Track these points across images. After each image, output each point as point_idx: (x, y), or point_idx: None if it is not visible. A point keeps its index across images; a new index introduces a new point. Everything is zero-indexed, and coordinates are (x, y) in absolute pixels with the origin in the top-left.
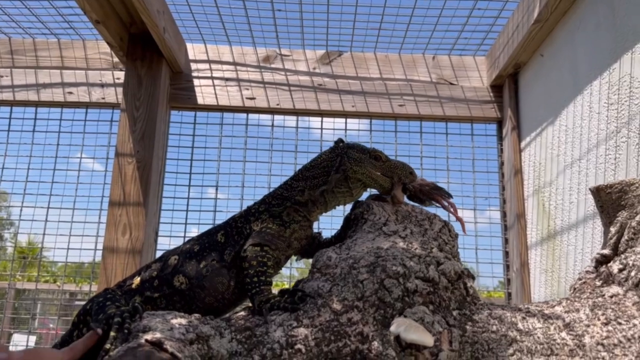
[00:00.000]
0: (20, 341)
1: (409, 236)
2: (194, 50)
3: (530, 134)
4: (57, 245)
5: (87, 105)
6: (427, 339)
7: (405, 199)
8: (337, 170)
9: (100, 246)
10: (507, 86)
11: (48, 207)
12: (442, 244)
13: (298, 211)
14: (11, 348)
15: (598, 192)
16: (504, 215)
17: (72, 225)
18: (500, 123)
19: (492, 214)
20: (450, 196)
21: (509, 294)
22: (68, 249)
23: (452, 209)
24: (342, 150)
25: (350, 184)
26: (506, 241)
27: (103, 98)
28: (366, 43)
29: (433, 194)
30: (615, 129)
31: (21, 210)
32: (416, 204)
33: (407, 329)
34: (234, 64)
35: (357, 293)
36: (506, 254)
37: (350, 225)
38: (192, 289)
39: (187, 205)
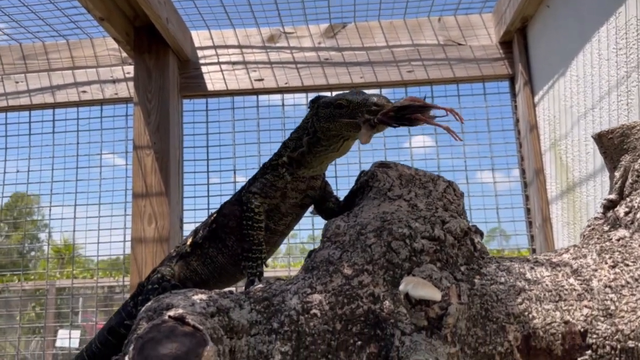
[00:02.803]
0: (64, 335)
1: (414, 198)
2: (198, 37)
3: (542, 87)
4: (88, 240)
5: (101, 102)
6: (435, 294)
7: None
8: (308, 132)
9: (128, 238)
10: (516, 41)
11: (75, 205)
12: (447, 203)
13: (287, 168)
14: (58, 343)
15: (600, 138)
16: (522, 172)
17: (99, 220)
18: (512, 79)
19: (510, 172)
20: (428, 107)
21: (534, 250)
22: (98, 243)
23: (437, 123)
24: (314, 111)
25: (325, 142)
26: (527, 198)
27: (116, 94)
28: (369, 12)
29: (405, 116)
30: (625, 74)
31: (50, 210)
32: (404, 126)
33: (415, 286)
34: (239, 46)
35: (366, 257)
36: (527, 211)
37: (357, 194)
38: (217, 221)
39: (208, 191)
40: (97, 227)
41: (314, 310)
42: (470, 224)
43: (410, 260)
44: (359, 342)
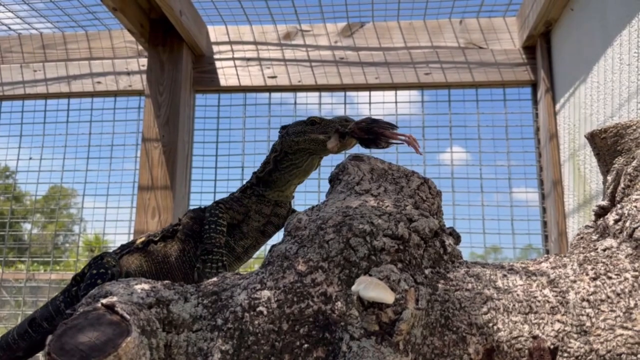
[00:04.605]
0: None
1: (382, 194)
2: (215, 32)
3: (564, 95)
4: (95, 231)
5: (115, 93)
6: (387, 297)
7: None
8: (275, 150)
9: (133, 230)
10: (539, 46)
11: (83, 195)
12: (419, 201)
13: (254, 189)
14: None
15: (593, 138)
16: (541, 183)
17: (106, 212)
18: (534, 86)
19: (528, 182)
20: (392, 126)
21: None
22: (104, 234)
23: (401, 138)
24: (284, 132)
25: (292, 156)
26: (544, 210)
27: (130, 86)
28: (388, 11)
29: (373, 127)
30: None
31: (58, 199)
32: (374, 148)
33: (366, 287)
34: (255, 43)
35: (323, 253)
36: (544, 223)
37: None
38: (181, 222)
39: (215, 187)
40: (104, 219)
41: (260, 308)
42: (447, 226)
43: (368, 259)
44: (306, 345)
